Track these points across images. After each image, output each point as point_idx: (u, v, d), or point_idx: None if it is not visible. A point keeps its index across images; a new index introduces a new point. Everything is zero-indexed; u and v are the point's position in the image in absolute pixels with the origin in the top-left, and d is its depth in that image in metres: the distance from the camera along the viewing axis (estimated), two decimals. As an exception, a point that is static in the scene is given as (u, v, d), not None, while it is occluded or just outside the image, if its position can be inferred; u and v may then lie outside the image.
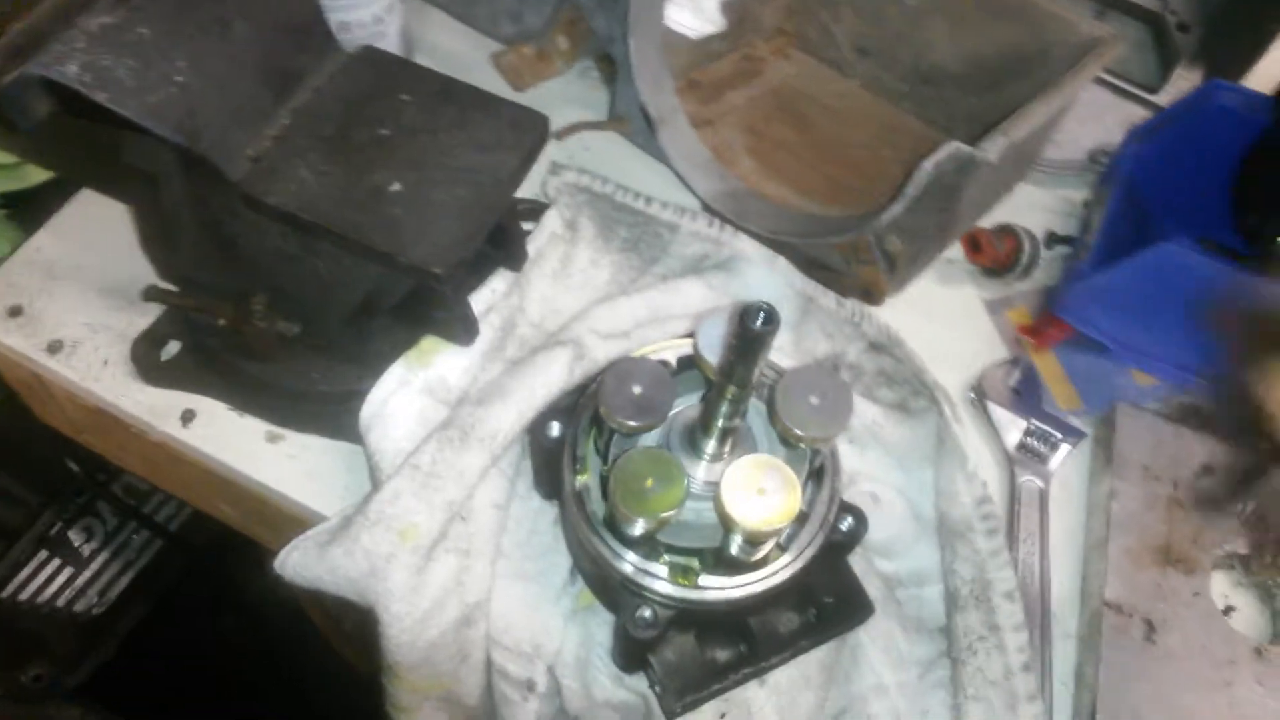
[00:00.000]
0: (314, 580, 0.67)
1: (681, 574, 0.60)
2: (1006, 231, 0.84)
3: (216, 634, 1.31)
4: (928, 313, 0.78)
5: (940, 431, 0.73)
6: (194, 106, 0.60)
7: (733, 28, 0.87)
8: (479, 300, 0.73)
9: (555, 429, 0.65)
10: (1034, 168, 0.90)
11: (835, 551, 0.65)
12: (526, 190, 0.79)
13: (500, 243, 0.72)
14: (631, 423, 0.58)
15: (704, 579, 0.60)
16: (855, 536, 0.65)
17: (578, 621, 0.69)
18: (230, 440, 0.75)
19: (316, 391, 0.72)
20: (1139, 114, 0.96)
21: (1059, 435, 0.78)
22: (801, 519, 0.62)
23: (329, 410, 0.72)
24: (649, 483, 0.56)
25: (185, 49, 0.60)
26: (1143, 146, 0.84)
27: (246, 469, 0.74)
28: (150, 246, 0.76)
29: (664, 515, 0.56)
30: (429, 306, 0.68)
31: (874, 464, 0.75)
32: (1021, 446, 0.78)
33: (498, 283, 0.74)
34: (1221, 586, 0.73)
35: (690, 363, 0.65)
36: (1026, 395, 0.80)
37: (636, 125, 0.79)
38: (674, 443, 0.61)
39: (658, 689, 0.64)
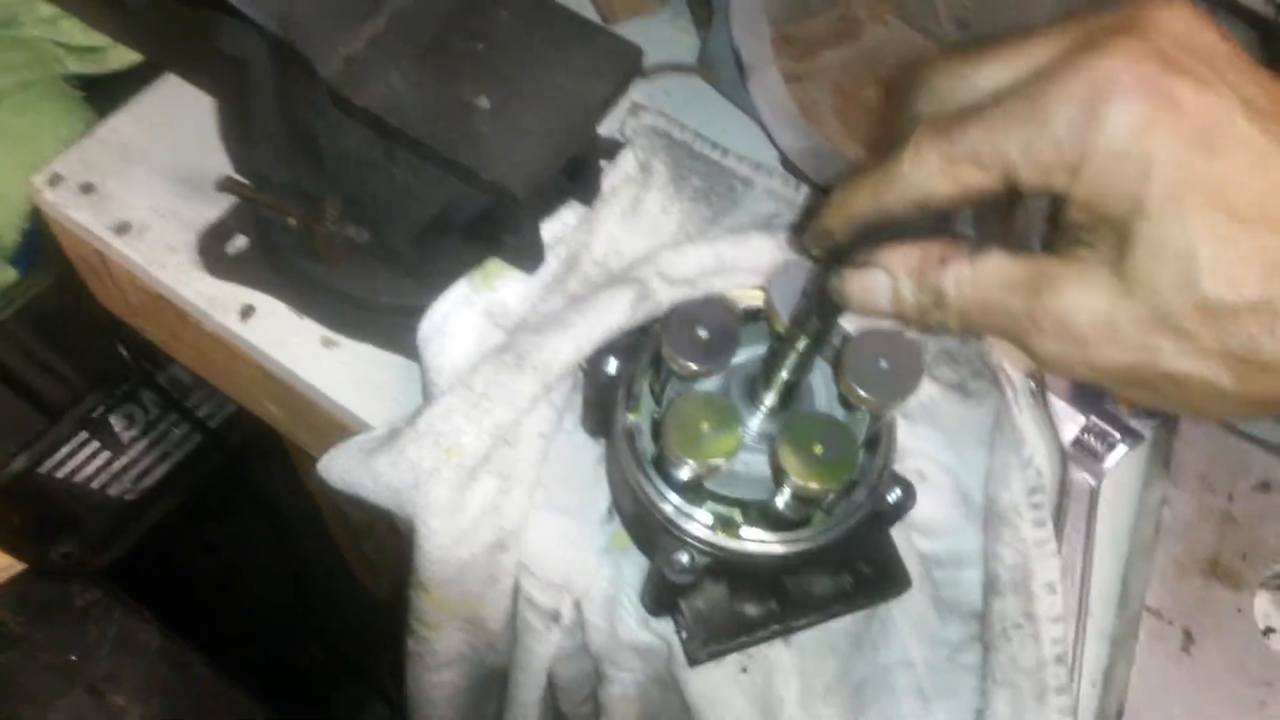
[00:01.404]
0: (356, 486, 0.67)
1: (724, 523, 0.59)
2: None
3: (239, 535, 1.33)
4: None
5: (999, 415, 0.72)
6: (292, -3, 0.59)
7: (833, -16, 0.85)
8: (548, 230, 0.72)
9: (613, 366, 0.65)
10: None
11: (879, 521, 0.65)
12: (605, 128, 0.78)
13: (576, 175, 0.71)
14: (693, 365, 0.58)
15: (746, 530, 0.59)
16: (901, 509, 0.64)
17: (610, 560, 0.69)
18: (286, 340, 0.75)
19: (378, 301, 0.72)
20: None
21: (1117, 435, 0.76)
22: (851, 484, 0.61)
23: (388, 321, 0.72)
24: (704, 427, 0.56)
25: (288, -66, 0.59)
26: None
27: (300, 370, 0.74)
28: (229, 138, 0.76)
29: (715, 461, 0.55)
30: (500, 229, 0.67)
31: (926, 441, 0.74)
32: (1077, 442, 0.77)
33: (568, 215, 0.74)
34: (1265, 607, 0.72)
35: (755, 316, 0.64)
36: (1088, 390, 0.78)
37: (725, 73, 0.78)
38: (733, 391, 0.61)
39: (684, 634, 0.64)
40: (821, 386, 0.61)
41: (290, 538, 1.37)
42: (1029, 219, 0.52)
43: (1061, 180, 0.40)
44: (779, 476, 0.55)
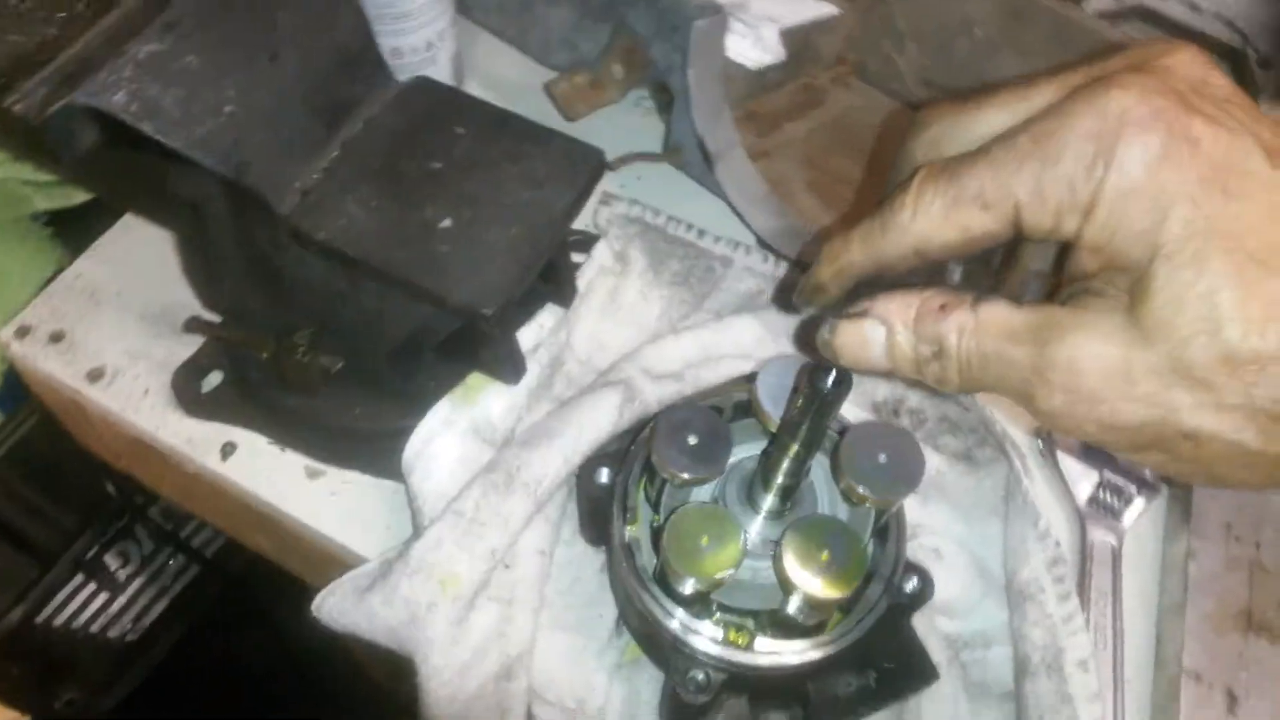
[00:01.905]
0: (351, 626, 0.65)
1: (736, 635, 0.57)
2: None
3: (249, 660, 1.29)
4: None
5: (1009, 485, 0.70)
6: (241, 138, 0.58)
7: (792, 57, 0.84)
8: (526, 336, 0.70)
9: (604, 475, 0.63)
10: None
11: (898, 613, 0.62)
12: (578, 221, 0.77)
13: (550, 277, 0.70)
14: (685, 475, 0.55)
15: (759, 642, 0.57)
16: (921, 598, 0.61)
17: (623, 677, 0.66)
18: (270, 475, 0.73)
19: (359, 428, 0.70)
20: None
21: (1133, 489, 0.74)
22: (865, 580, 0.58)
23: (371, 447, 0.70)
24: (704, 541, 0.53)
25: (233, 79, 0.58)
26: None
27: (285, 505, 0.72)
28: (193, 276, 0.74)
29: (719, 575, 0.53)
30: (476, 344, 0.66)
31: (936, 516, 0.71)
32: (1093, 500, 0.74)
33: (546, 318, 0.72)
34: (1308, 657, 0.69)
35: (746, 410, 0.62)
36: (1100, 451, 0.76)
37: (691, 157, 0.76)
38: (730, 496, 0.58)
39: (711, 757, 0.61)
40: (822, 482, 0.59)
41: (302, 654, 1.34)
42: (1024, 275, 0.50)
43: (1072, 223, 0.38)
44: (787, 587, 0.52)
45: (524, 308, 0.70)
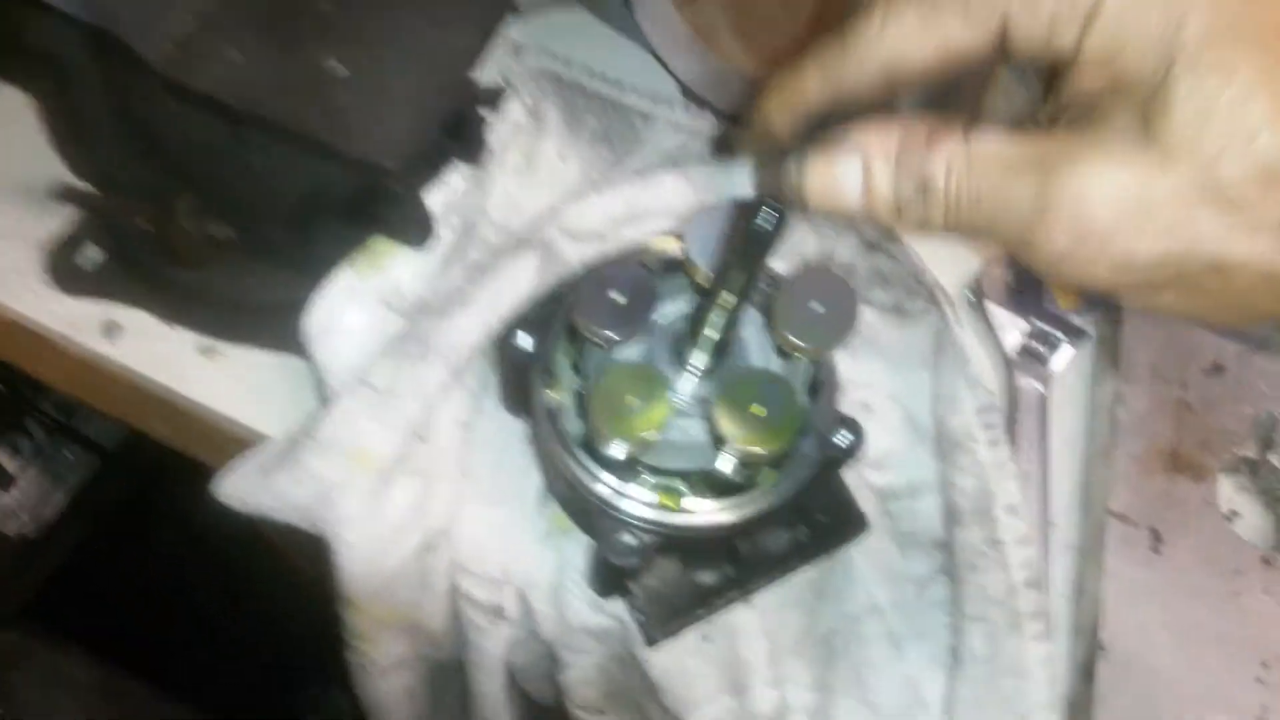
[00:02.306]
0: (258, 508, 0.61)
1: (666, 497, 0.55)
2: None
3: (160, 554, 1.24)
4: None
5: (939, 334, 0.68)
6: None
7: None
8: (435, 198, 0.66)
9: (525, 340, 0.59)
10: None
11: (829, 467, 0.60)
12: (486, 75, 0.71)
13: (457, 132, 0.64)
14: (610, 334, 0.52)
15: (690, 502, 0.55)
16: (852, 451, 0.60)
17: (551, 545, 0.64)
18: (159, 355, 0.68)
19: (254, 301, 0.65)
20: None
21: (1061, 336, 0.73)
22: (798, 434, 0.57)
23: (269, 321, 0.65)
24: (630, 400, 0.51)
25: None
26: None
27: (178, 385, 0.67)
28: (60, 143, 0.67)
29: (647, 435, 0.50)
30: (379, 204, 0.61)
31: (867, 370, 0.70)
32: (1022, 349, 0.73)
33: (455, 179, 0.67)
34: (1227, 491, 0.70)
35: (674, 266, 0.59)
36: (1027, 293, 0.75)
37: (608, 4, 0.71)
38: (658, 355, 0.56)
39: (640, 616, 0.59)
40: (753, 336, 0.57)
41: (217, 543, 1.30)
42: (996, 116, 0.46)
43: (1069, 34, 0.34)
44: (719, 443, 0.50)
45: (430, 166, 0.65)
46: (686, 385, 0.55)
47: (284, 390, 0.66)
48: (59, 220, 0.68)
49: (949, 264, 0.72)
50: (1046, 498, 0.69)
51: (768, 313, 0.52)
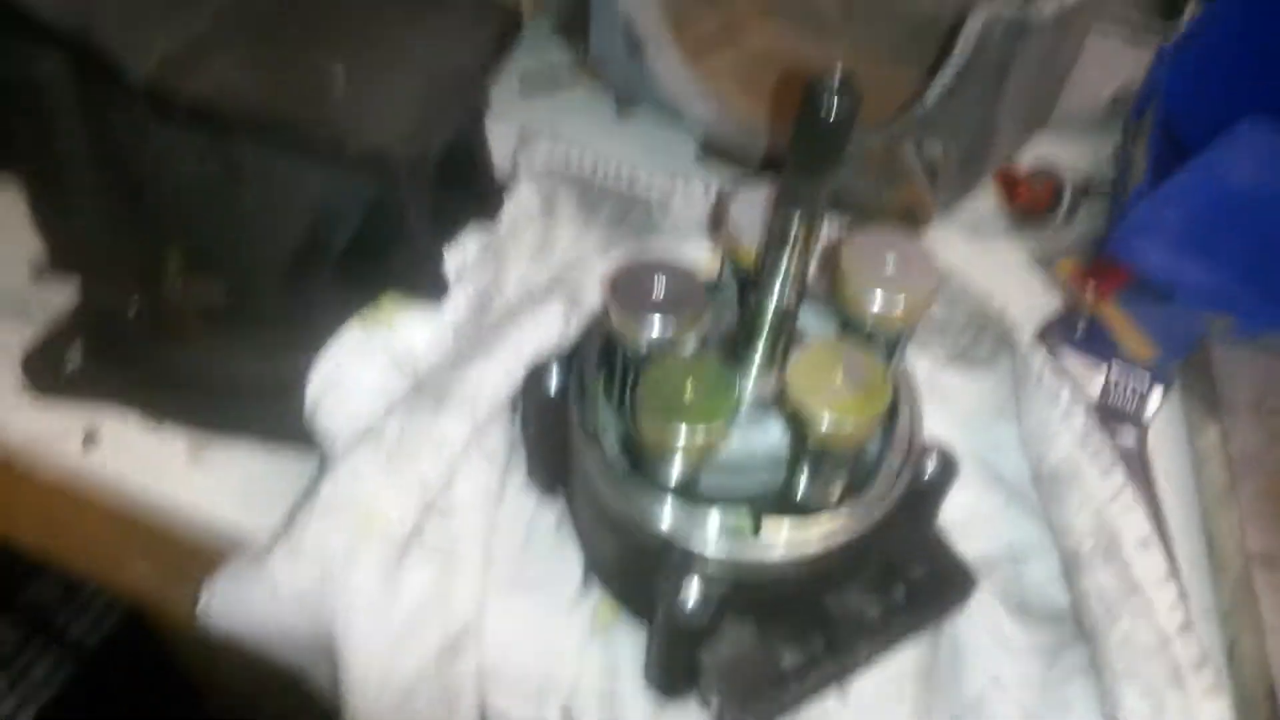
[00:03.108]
0: (248, 621, 0.51)
1: (733, 531, 0.45)
2: (1043, 172, 0.74)
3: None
4: (967, 272, 0.66)
5: (1017, 377, 0.61)
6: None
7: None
8: (449, 259, 0.60)
9: (554, 377, 0.52)
10: (1053, 119, 0.81)
11: (918, 504, 0.51)
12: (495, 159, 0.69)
13: (468, 180, 0.60)
14: (655, 333, 0.45)
15: (764, 533, 0.45)
16: (943, 482, 0.51)
17: (597, 644, 0.53)
18: (143, 460, 0.60)
19: (249, 376, 0.58)
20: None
21: (1146, 379, 0.65)
22: (877, 460, 0.48)
23: (266, 402, 0.58)
24: (688, 394, 0.42)
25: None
26: (1172, 69, 0.75)
27: (166, 491, 0.59)
28: (42, 214, 0.61)
29: (712, 431, 0.42)
30: (387, 249, 0.55)
31: (935, 426, 0.61)
32: (1104, 400, 0.65)
33: (469, 242, 0.62)
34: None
35: (713, 288, 0.52)
36: (1098, 342, 0.68)
37: (616, 68, 0.69)
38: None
39: (715, 699, 0.48)
40: (816, 328, 0.49)
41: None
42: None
43: None
44: (800, 427, 0.42)
45: (444, 217, 0.60)
46: (748, 389, 0.47)
47: (284, 493, 0.57)
48: (36, 327, 0.63)
49: (1015, 308, 0.65)
50: (1170, 558, 0.59)
51: (833, 288, 0.45)
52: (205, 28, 0.51)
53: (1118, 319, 0.72)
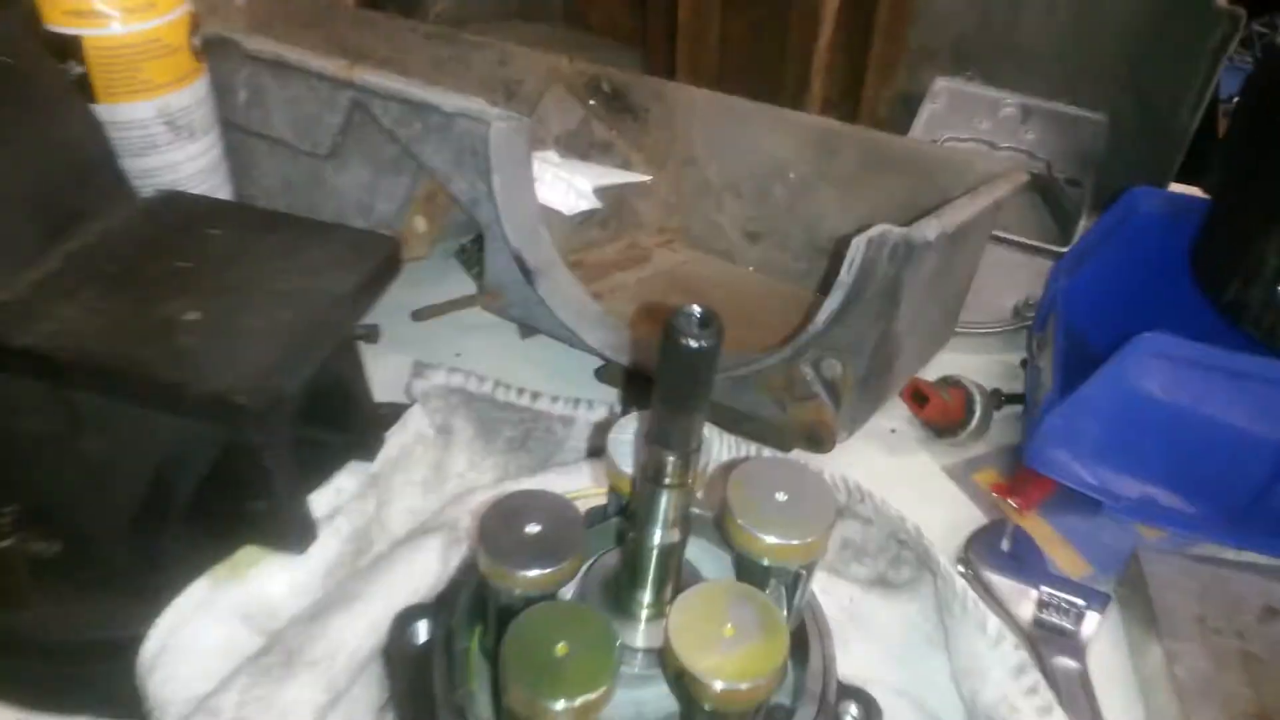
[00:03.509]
0: None
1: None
2: (951, 383, 0.73)
3: None
4: (884, 489, 0.62)
5: (941, 600, 0.56)
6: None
7: (612, 216, 0.79)
8: (320, 501, 0.55)
9: (422, 630, 0.46)
10: (958, 332, 0.80)
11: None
12: (388, 394, 0.65)
13: (346, 423, 0.56)
14: (530, 572, 0.40)
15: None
16: (866, 732, 0.46)
17: None
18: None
19: (86, 642, 0.51)
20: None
21: (1080, 601, 0.61)
22: (795, 691, 0.43)
23: (105, 670, 0.51)
24: (561, 650, 0.37)
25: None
26: (1072, 280, 0.76)
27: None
28: None
29: (591, 698, 0.36)
30: (242, 495, 0.50)
31: (861, 661, 0.56)
32: (1038, 622, 0.61)
33: (346, 480, 0.57)
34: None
35: (599, 514, 0.48)
36: (1027, 560, 0.64)
37: (514, 295, 0.67)
38: (594, 606, 0.43)
39: None
40: (709, 567, 0.45)
41: None
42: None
43: None
44: (686, 691, 0.36)
45: (314, 459, 0.55)
46: (635, 639, 0.42)
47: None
48: None
49: (932, 530, 0.62)
50: (1125, 802, 0.53)
51: (721, 524, 0.41)
52: (52, 271, 0.48)
53: (1044, 532, 0.69)
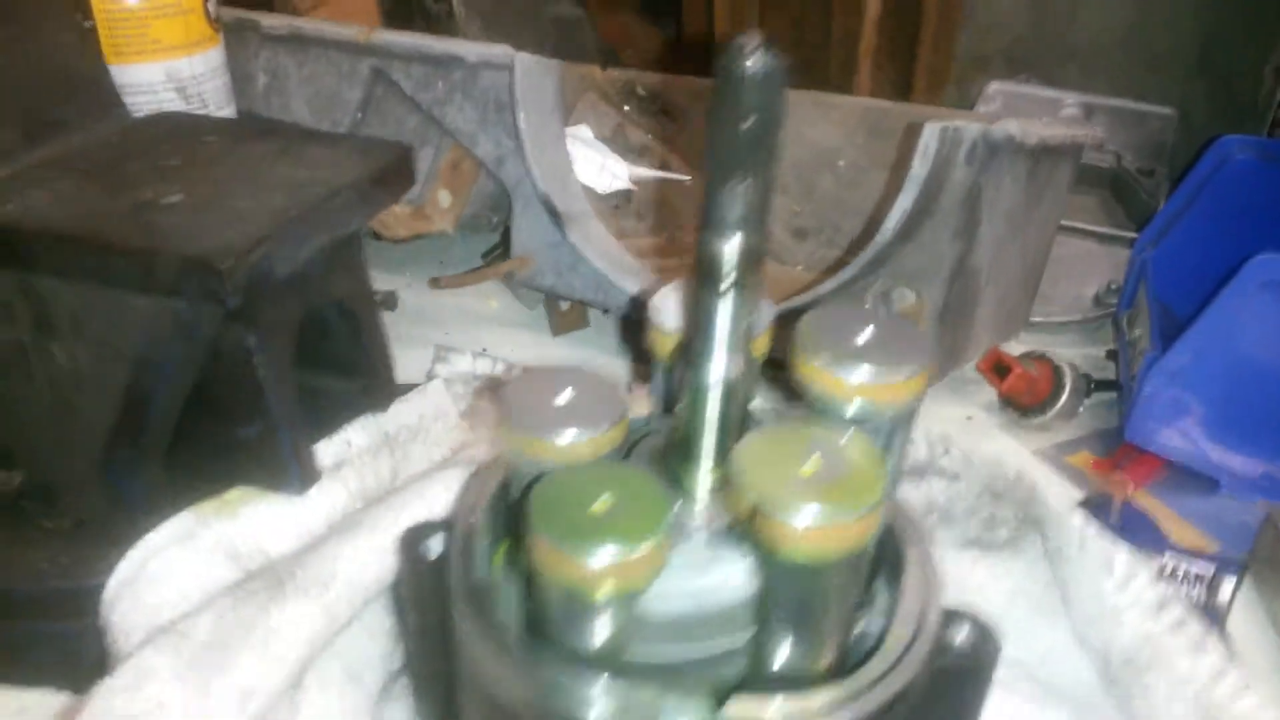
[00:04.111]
0: None
1: (688, 712, 0.30)
2: (1037, 357, 0.65)
3: None
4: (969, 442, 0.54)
5: (1051, 551, 0.47)
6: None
7: (651, 207, 0.74)
8: (326, 451, 0.49)
9: (435, 545, 0.38)
10: (1037, 322, 0.73)
11: (946, 694, 0.36)
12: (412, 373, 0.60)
13: (355, 365, 0.50)
14: (565, 439, 0.33)
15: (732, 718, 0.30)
16: (982, 661, 0.36)
17: None
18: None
19: (46, 591, 0.43)
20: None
21: (1210, 566, 0.52)
22: (886, 611, 0.34)
23: (70, 629, 0.43)
24: (602, 504, 0.29)
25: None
26: (1159, 248, 0.69)
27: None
28: None
29: (638, 555, 0.28)
30: (231, 420, 0.43)
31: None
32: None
33: (356, 434, 0.50)
34: None
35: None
36: (1140, 538, 0.55)
37: (542, 261, 0.61)
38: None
39: None
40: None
41: None
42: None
43: None
44: (761, 543, 0.28)
45: (323, 413, 0.49)
46: (691, 518, 0.34)
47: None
48: None
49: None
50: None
51: (791, 363, 0.33)
52: (25, 166, 0.44)
53: (1158, 509, 0.60)
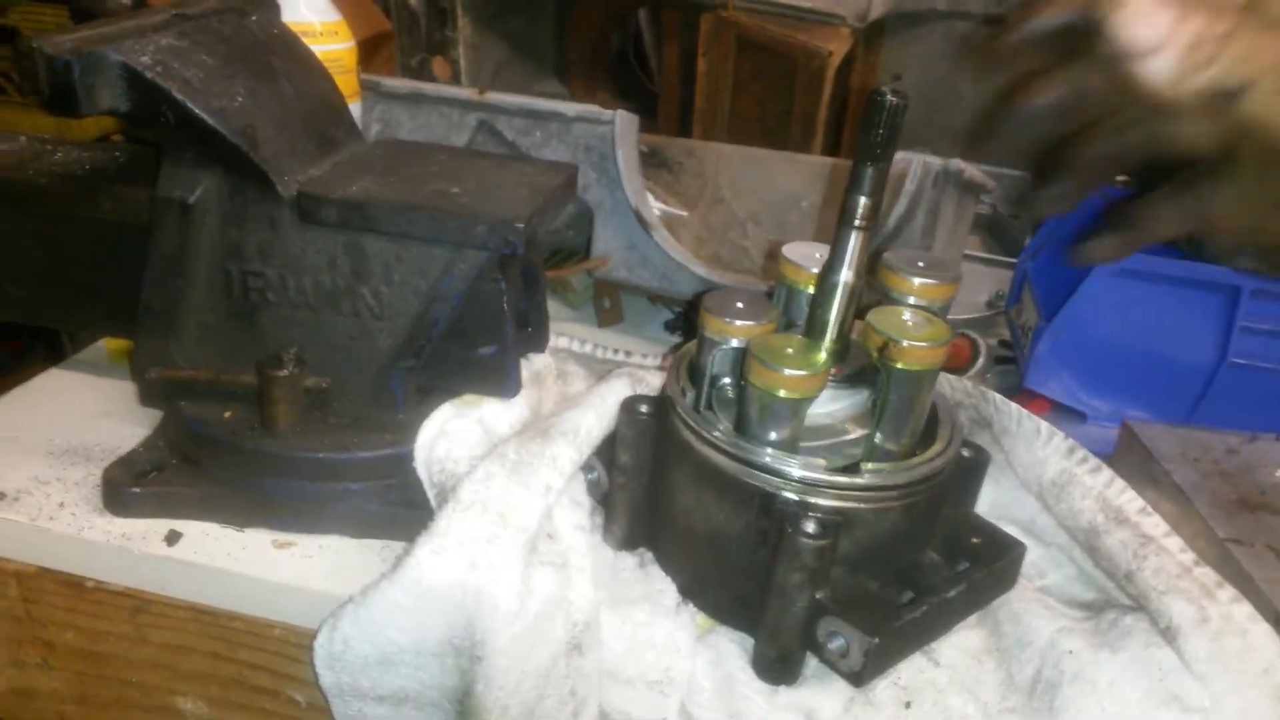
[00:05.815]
0: (383, 634, 0.53)
1: (837, 472, 0.53)
2: (959, 336, 0.92)
3: None
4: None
5: (1000, 427, 0.71)
6: (253, 122, 0.61)
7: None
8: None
9: (645, 407, 0.60)
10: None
11: (961, 484, 0.61)
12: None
13: (527, 315, 0.71)
14: (741, 322, 0.56)
15: (862, 476, 0.53)
16: (979, 462, 0.62)
17: (705, 645, 0.57)
18: (229, 555, 0.61)
19: (341, 461, 0.62)
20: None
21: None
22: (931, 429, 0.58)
23: (355, 490, 0.62)
24: (789, 350, 0.53)
25: (243, 82, 0.62)
26: (1036, 262, 0.98)
27: (256, 575, 0.60)
28: (146, 343, 0.66)
29: (810, 373, 0.51)
30: (474, 342, 0.64)
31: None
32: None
33: (536, 361, 0.72)
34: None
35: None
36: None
37: (619, 258, 0.84)
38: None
39: (843, 640, 0.52)
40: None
41: None
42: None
43: None
44: (886, 359, 0.52)
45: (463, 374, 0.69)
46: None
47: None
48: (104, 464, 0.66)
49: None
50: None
51: (875, 275, 0.58)
52: (332, 167, 0.64)
53: (1048, 431, 0.86)
